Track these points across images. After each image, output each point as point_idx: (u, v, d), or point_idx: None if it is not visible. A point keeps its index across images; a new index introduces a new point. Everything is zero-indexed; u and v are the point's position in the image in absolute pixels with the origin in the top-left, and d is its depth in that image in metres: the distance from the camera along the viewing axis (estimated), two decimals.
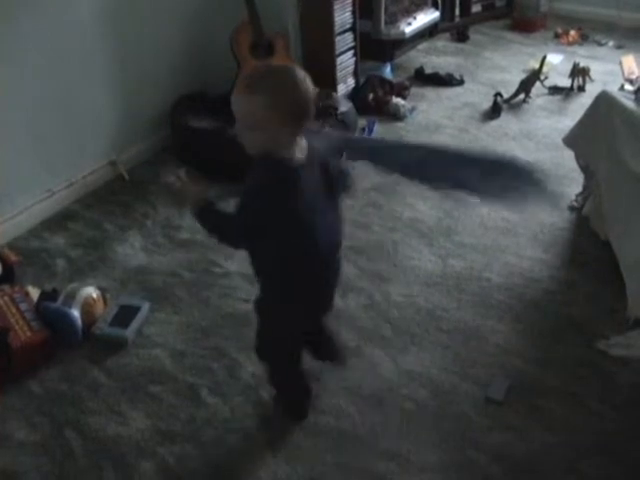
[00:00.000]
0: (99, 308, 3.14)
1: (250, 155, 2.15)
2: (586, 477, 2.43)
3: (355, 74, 5.05)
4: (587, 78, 5.14)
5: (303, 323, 2.49)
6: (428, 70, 5.46)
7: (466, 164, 2.32)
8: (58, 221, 3.85)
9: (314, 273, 2.32)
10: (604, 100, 3.39)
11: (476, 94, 5.19)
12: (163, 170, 4.19)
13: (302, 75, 2.09)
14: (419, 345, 2.97)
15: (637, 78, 4.08)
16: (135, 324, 3.09)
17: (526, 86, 5.02)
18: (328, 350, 2.77)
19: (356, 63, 5.04)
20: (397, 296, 3.23)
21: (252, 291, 3.26)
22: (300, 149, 2.13)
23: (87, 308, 3.07)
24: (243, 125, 2.09)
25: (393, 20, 5.48)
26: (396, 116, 4.81)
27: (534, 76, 5.07)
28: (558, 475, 2.45)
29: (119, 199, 4.04)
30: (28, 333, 2.90)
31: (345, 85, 4.94)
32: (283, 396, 2.72)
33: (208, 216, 2.26)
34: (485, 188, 2.28)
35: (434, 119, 4.84)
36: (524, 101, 5.03)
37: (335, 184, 2.26)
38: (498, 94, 4.96)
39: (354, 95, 4.93)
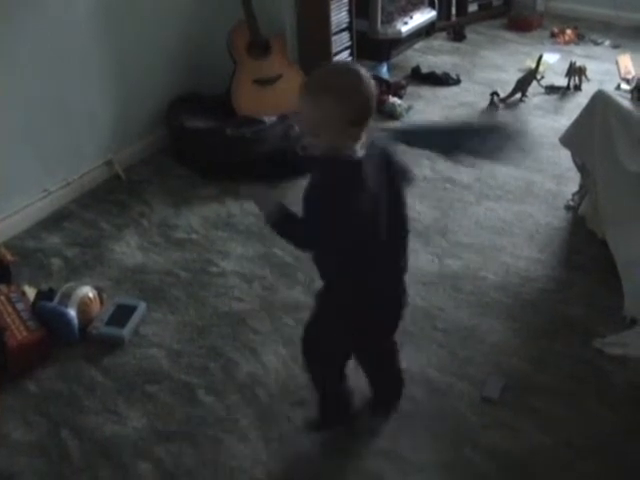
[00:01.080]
0: (95, 308, 3.14)
1: (311, 155, 2.10)
2: (582, 476, 2.43)
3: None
4: (583, 77, 5.14)
5: (348, 339, 2.40)
6: (425, 69, 5.46)
7: (471, 134, 2.59)
8: (54, 221, 3.85)
9: (371, 287, 2.24)
10: (600, 99, 3.39)
11: (473, 93, 5.19)
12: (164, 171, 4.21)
13: (365, 73, 2.04)
14: (415, 344, 2.97)
15: (633, 77, 4.08)
16: (131, 324, 3.09)
17: (522, 85, 5.02)
18: (381, 395, 2.68)
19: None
20: None
21: (248, 290, 3.30)
22: (362, 146, 2.08)
23: (83, 307, 3.07)
24: (309, 126, 2.04)
25: (389, 19, 5.47)
26: (393, 115, 4.80)
27: (530, 75, 5.07)
28: (554, 474, 2.46)
29: (115, 199, 4.04)
30: (24, 333, 2.90)
31: None
32: (318, 398, 2.62)
33: (279, 223, 2.17)
34: (484, 151, 2.62)
35: (430, 118, 4.84)
36: (521, 100, 5.03)
37: (397, 179, 2.21)
38: (495, 93, 4.96)
39: None
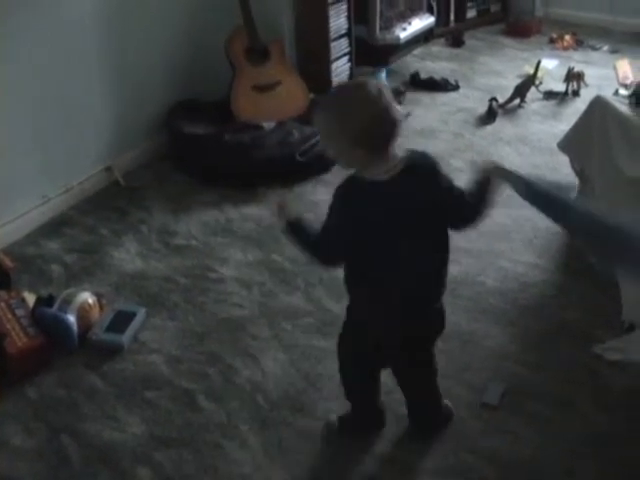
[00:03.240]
0: (95, 314, 3.14)
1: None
2: None
3: (350, 80, 5.06)
4: (582, 83, 5.15)
5: (362, 352, 2.41)
6: (423, 75, 5.46)
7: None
8: (54, 227, 3.86)
9: (378, 311, 2.26)
10: (598, 105, 3.39)
11: (471, 99, 5.20)
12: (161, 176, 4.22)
13: (375, 90, 1.96)
14: None
15: (631, 83, 4.10)
16: (131, 330, 3.09)
17: (521, 91, 5.03)
18: (417, 414, 2.62)
19: (351, 69, 5.06)
20: None
21: (247, 296, 3.30)
22: (387, 170, 2.04)
23: (83, 314, 3.08)
24: (322, 142, 2.07)
25: (388, 25, 5.48)
26: None
27: (529, 81, 5.08)
28: (553, 479, 2.46)
29: (115, 205, 4.05)
30: (24, 339, 2.90)
31: None
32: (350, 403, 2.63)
33: (294, 233, 2.19)
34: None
35: (429, 124, 4.85)
36: (519, 106, 5.04)
37: (446, 216, 2.16)
38: (493, 99, 4.97)
39: None
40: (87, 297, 3.14)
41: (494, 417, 2.67)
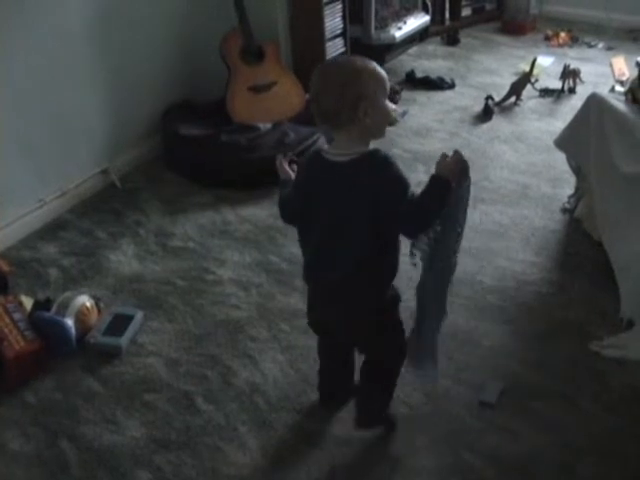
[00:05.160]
0: (93, 317, 3.13)
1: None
2: (581, 478, 2.43)
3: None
4: (578, 80, 5.16)
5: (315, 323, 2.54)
6: (419, 74, 5.47)
7: None
8: (50, 230, 3.85)
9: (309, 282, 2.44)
10: (595, 102, 3.40)
11: (467, 97, 5.20)
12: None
13: (317, 72, 2.17)
14: None
15: (627, 79, 4.10)
16: (129, 333, 3.08)
17: (517, 89, 5.04)
18: (357, 404, 2.62)
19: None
20: None
21: (245, 298, 3.30)
22: (342, 149, 2.14)
23: (81, 317, 3.07)
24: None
25: (383, 25, 5.48)
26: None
27: (525, 79, 5.08)
28: (553, 477, 2.45)
29: (111, 207, 4.04)
30: (22, 343, 2.89)
31: None
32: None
33: (280, 189, 2.42)
34: None
35: (425, 123, 4.85)
36: (515, 104, 5.04)
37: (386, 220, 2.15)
38: (489, 97, 4.97)
39: None
40: (85, 300, 3.13)
41: (493, 415, 2.67)
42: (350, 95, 2.05)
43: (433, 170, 2.13)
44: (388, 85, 2.15)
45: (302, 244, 2.36)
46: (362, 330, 2.38)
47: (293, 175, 2.38)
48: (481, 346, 2.98)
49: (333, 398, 2.74)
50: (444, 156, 2.13)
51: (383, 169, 2.10)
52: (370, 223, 2.13)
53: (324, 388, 2.71)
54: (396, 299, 2.39)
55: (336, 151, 2.15)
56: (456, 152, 2.14)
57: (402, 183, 2.10)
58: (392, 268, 2.28)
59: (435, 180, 2.10)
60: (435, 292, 2.34)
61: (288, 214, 2.39)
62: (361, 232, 2.16)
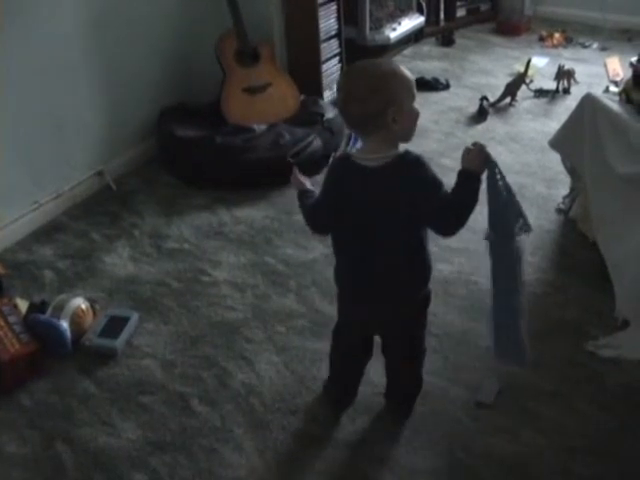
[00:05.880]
0: (88, 319, 3.13)
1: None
2: (578, 478, 2.43)
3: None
4: (572, 80, 5.17)
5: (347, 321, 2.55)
6: (414, 75, 5.42)
7: None
8: (46, 233, 3.84)
9: (344, 282, 2.43)
10: (589, 102, 3.40)
11: (462, 98, 5.21)
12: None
13: (344, 78, 2.26)
14: None
15: (621, 80, 4.09)
16: (124, 335, 3.08)
17: (512, 89, 5.05)
18: (391, 395, 2.72)
19: (342, 69, 5.05)
20: None
21: (240, 299, 3.29)
22: (372, 153, 2.16)
23: (76, 319, 3.06)
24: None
25: (378, 26, 5.49)
26: None
27: (520, 79, 5.09)
28: (549, 477, 2.45)
29: (106, 209, 4.04)
30: (17, 345, 2.89)
31: (331, 92, 4.95)
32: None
33: (300, 201, 2.44)
34: None
35: (420, 124, 4.73)
36: (510, 104, 5.05)
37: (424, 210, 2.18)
38: (484, 98, 4.97)
39: None
40: (80, 303, 3.13)
41: (490, 416, 2.67)
42: (379, 101, 2.07)
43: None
44: (415, 89, 2.19)
45: (337, 250, 2.37)
46: (409, 325, 2.46)
47: (308, 184, 2.43)
48: (477, 347, 2.98)
49: (344, 402, 2.74)
50: (467, 150, 2.17)
51: (416, 171, 2.14)
52: (404, 223, 2.19)
53: (339, 394, 2.74)
54: (429, 299, 2.45)
55: (366, 155, 2.17)
56: (476, 143, 2.17)
57: (436, 182, 2.14)
58: (427, 266, 2.33)
59: (463, 174, 2.14)
60: (507, 272, 2.29)
61: (319, 224, 2.41)
62: (396, 233, 2.21)
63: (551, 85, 5.19)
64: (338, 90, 2.19)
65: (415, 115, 2.18)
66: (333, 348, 2.66)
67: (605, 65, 4.82)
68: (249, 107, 4.40)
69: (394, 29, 5.55)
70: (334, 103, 4.80)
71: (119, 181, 4.26)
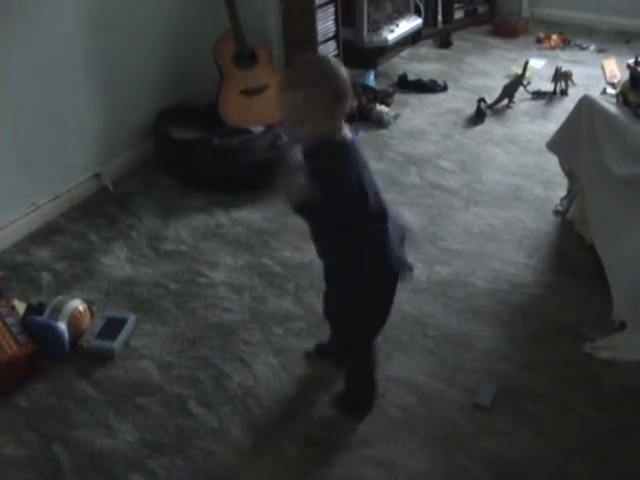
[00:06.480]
0: (86, 321, 3.13)
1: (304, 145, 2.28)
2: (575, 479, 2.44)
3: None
4: (569, 82, 5.17)
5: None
6: (411, 77, 5.47)
7: None
8: (43, 234, 3.84)
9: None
10: (586, 104, 3.41)
11: (460, 100, 5.21)
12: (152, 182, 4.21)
13: (335, 61, 2.26)
14: (405, 352, 2.98)
15: (619, 81, 4.09)
16: (122, 336, 3.08)
17: (509, 91, 5.05)
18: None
19: None
20: None
21: (237, 301, 3.29)
22: (348, 131, 2.26)
23: (74, 321, 3.06)
24: (292, 120, 2.20)
25: (375, 28, 5.50)
26: (380, 123, 4.81)
27: (517, 81, 5.09)
28: (547, 478, 2.46)
29: (104, 211, 4.03)
30: (14, 347, 2.89)
31: None
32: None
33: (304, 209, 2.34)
34: None
35: (418, 126, 4.86)
36: (507, 106, 5.05)
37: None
38: (481, 100, 4.97)
39: None
40: (77, 304, 3.12)
41: (487, 418, 2.67)
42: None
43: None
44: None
45: (357, 234, 2.34)
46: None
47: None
48: (475, 349, 2.99)
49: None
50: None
51: None
52: None
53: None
54: None
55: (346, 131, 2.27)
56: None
57: None
58: None
59: None
60: None
61: (358, 213, 2.35)
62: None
63: (548, 87, 5.19)
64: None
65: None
66: (364, 362, 2.68)
67: (602, 67, 4.81)
68: (247, 109, 4.40)
69: (392, 31, 5.56)
70: None
71: (116, 183, 4.26)
